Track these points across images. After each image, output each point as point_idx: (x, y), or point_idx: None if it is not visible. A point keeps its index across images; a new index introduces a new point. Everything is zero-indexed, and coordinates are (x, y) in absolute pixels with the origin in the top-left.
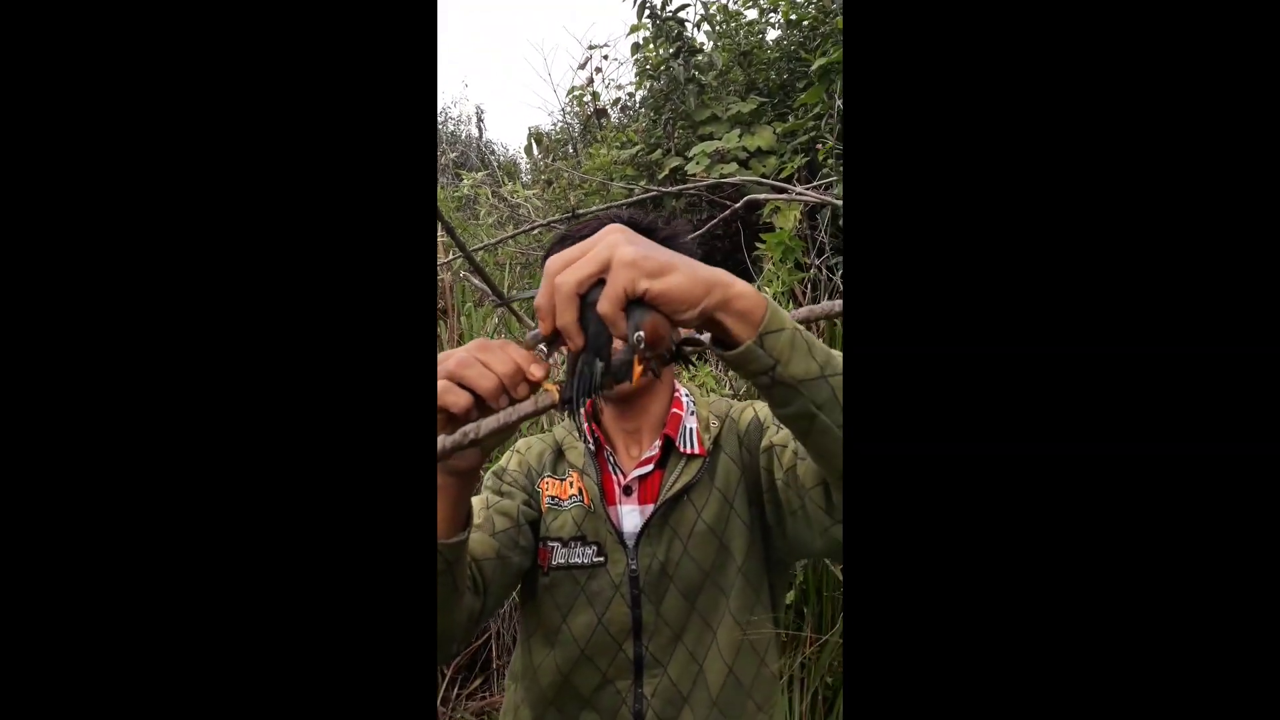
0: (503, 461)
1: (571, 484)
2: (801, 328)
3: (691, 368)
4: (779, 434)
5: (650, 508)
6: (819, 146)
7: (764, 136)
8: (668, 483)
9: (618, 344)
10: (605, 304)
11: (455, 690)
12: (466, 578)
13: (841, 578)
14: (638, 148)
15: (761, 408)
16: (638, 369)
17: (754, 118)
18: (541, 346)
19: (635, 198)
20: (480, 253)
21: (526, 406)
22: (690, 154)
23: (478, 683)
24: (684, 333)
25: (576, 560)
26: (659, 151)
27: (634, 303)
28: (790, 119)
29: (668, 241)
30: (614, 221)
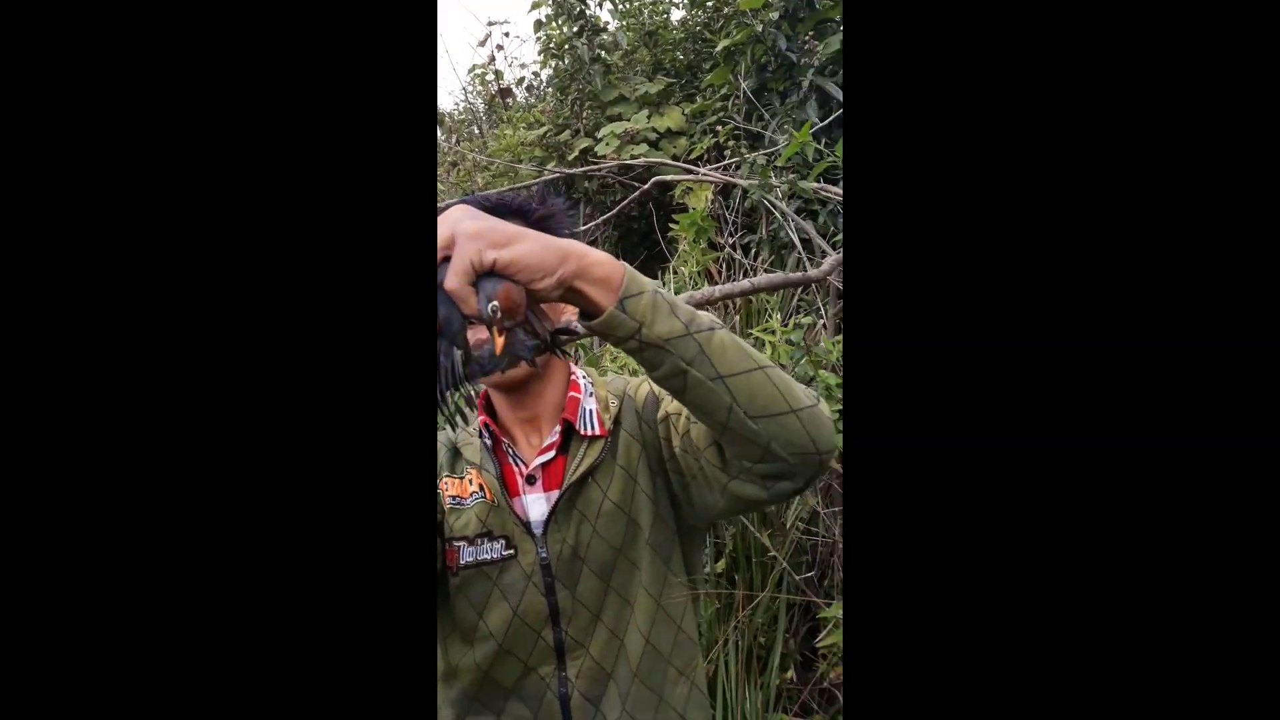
0: None
1: (471, 481)
2: (662, 289)
3: (580, 353)
4: (673, 403)
5: (555, 494)
6: (719, 129)
7: (673, 117)
8: (571, 467)
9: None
10: (452, 278)
11: None
12: None
13: (768, 543)
14: (545, 128)
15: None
16: (498, 339)
17: (662, 98)
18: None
19: (544, 178)
20: None
21: None
22: (599, 135)
23: None
24: (557, 315)
25: (485, 556)
26: (567, 132)
27: (483, 276)
28: (698, 99)
29: (543, 221)
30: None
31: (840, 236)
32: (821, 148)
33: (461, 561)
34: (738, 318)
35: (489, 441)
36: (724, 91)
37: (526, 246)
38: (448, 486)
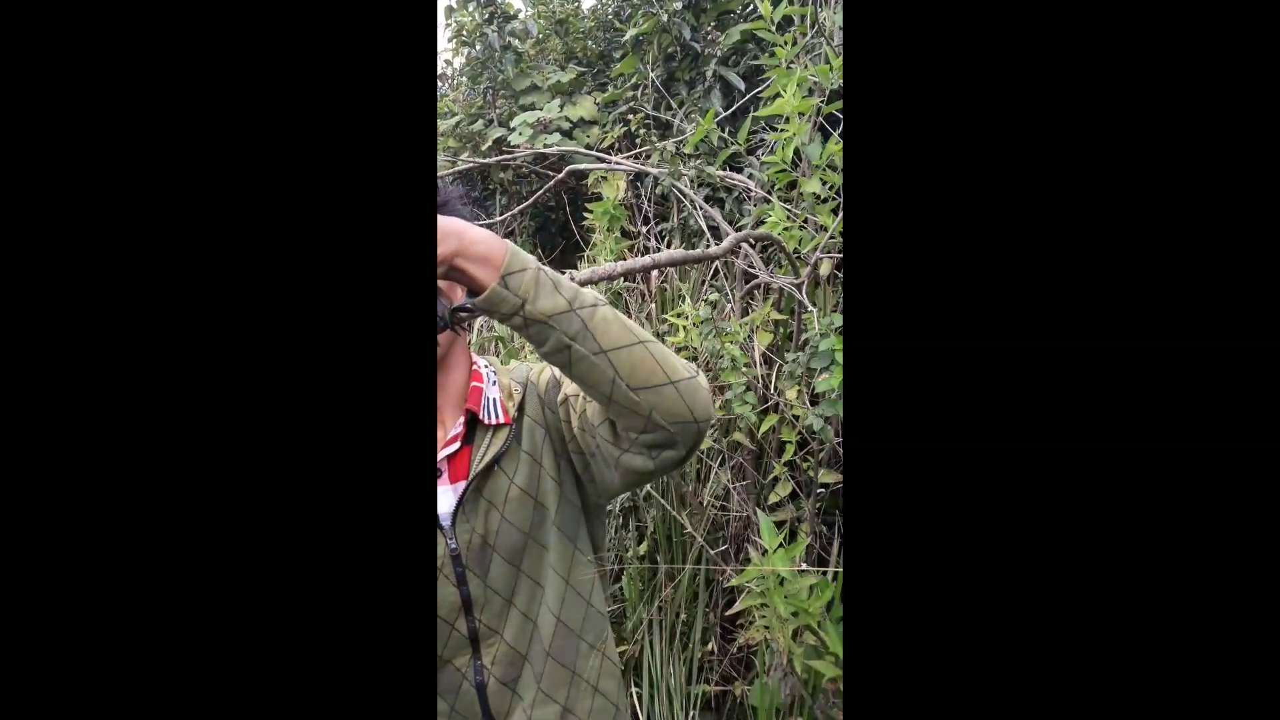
0: None
1: None
2: (545, 267)
3: (500, 346)
4: (572, 385)
5: (462, 485)
6: (630, 117)
7: (585, 106)
8: (477, 457)
9: None
10: None
11: None
12: None
13: (686, 522)
14: (458, 118)
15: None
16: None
17: (574, 87)
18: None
19: (458, 168)
20: None
21: None
22: (513, 124)
23: None
24: (454, 295)
25: None
26: (480, 122)
27: None
28: (610, 89)
29: (439, 209)
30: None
31: (745, 221)
32: (725, 135)
33: None
34: (653, 305)
35: None
36: (634, 81)
37: (446, 225)
38: None
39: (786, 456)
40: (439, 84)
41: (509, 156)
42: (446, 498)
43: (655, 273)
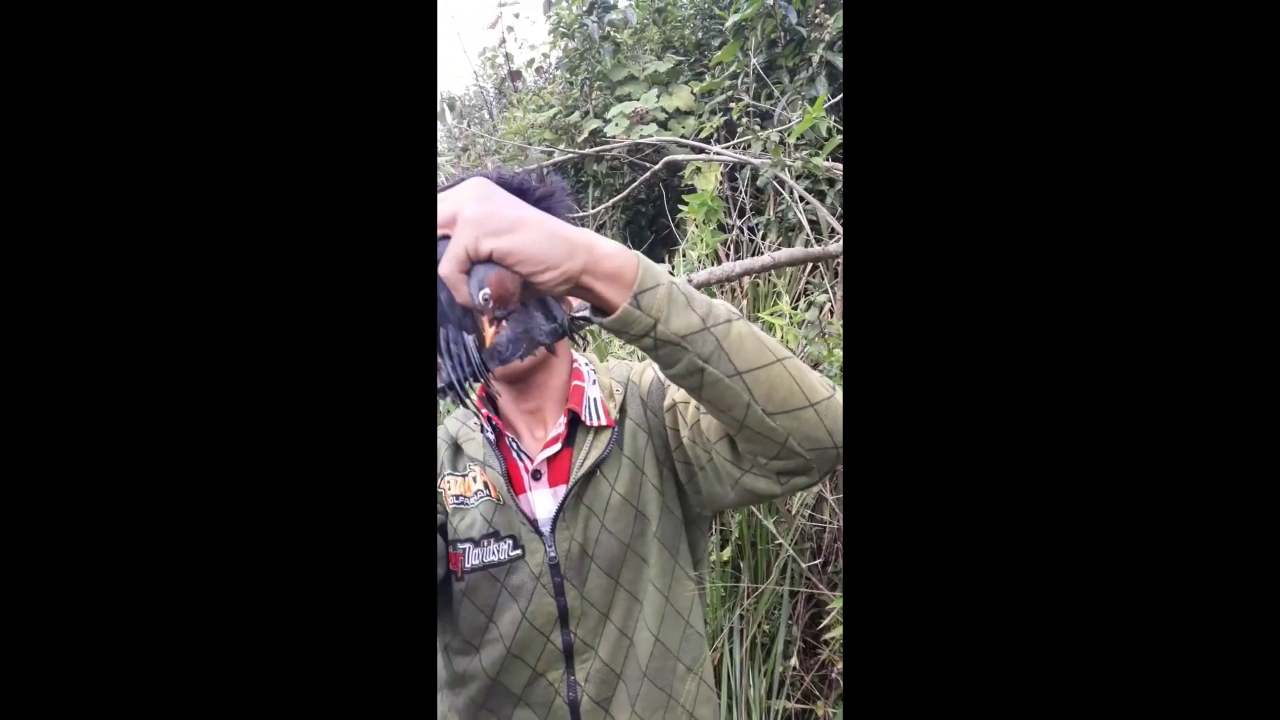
0: None
1: (475, 479)
2: (679, 281)
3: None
4: (680, 391)
5: (563, 489)
6: (731, 105)
7: (682, 96)
8: (578, 460)
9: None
10: (444, 265)
11: None
12: None
13: (774, 530)
14: (555, 110)
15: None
16: (487, 330)
17: (671, 77)
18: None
19: (554, 160)
20: None
21: None
22: (609, 115)
23: None
24: (571, 308)
25: (492, 558)
26: (577, 114)
27: (479, 262)
28: (707, 78)
29: (543, 200)
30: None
31: None
32: (833, 124)
33: (467, 565)
34: (745, 301)
35: (492, 436)
36: (732, 70)
37: (528, 236)
38: (450, 485)
39: None
40: (536, 77)
41: (605, 148)
42: (546, 502)
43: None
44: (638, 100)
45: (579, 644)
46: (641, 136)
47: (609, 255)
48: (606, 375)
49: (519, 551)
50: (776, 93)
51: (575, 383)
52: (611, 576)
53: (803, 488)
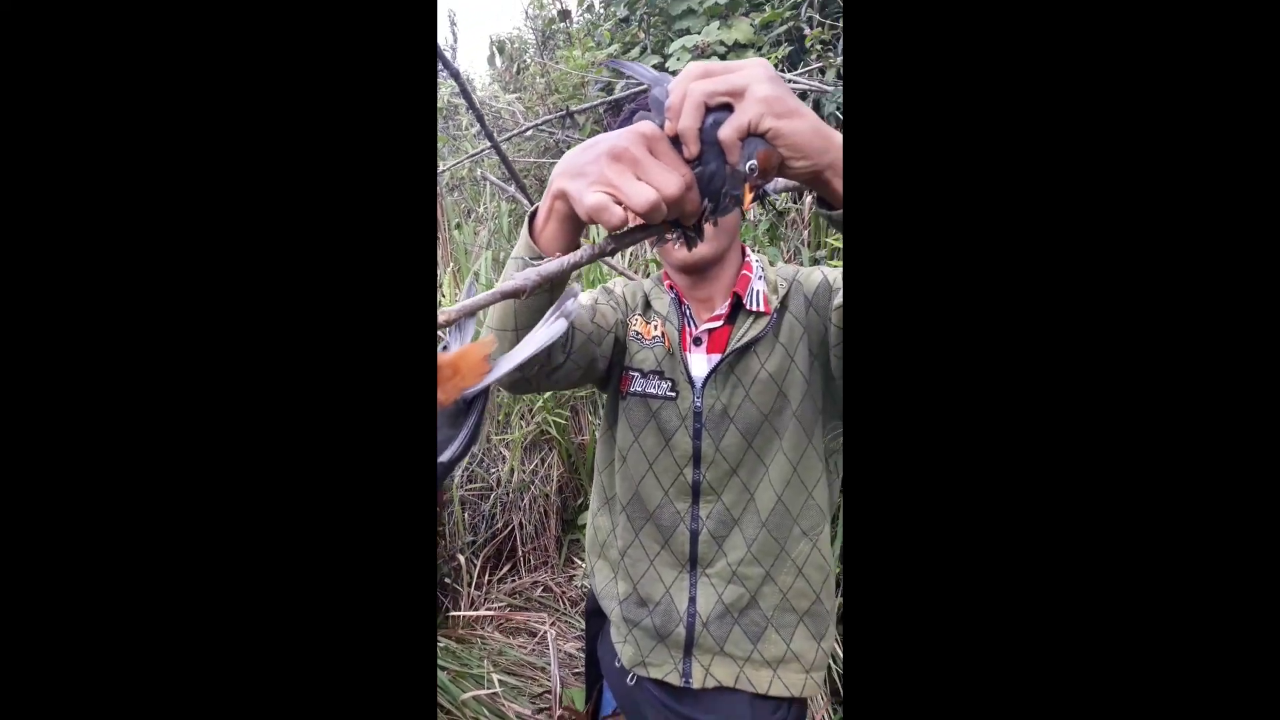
0: (610, 284)
1: (656, 327)
2: None
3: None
4: None
5: (717, 357)
6: (807, 32)
7: (741, 29)
8: (735, 335)
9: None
10: (729, 129)
11: (487, 577)
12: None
13: None
14: (613, 45)
15: (830, 272)
16: (748, 196)
17: (730, 9)
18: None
19: (616, 97)
20: (468, 162)
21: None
22: (669, 51)
23: (507, 568)
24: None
25: (652, 391)
26: (636, 50)
27: (752, 135)
28: (767, 9)
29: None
30: (622, 112)
31: None
32: None
33: (632, 389)
34: (807, 231)
35: (675, 300)
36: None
37: (800, 125)
38: (635, 323)
39: None
40: (585, 15)
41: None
42: (702, 364)
43: (809, 196)
44: (698, 34)
45: (706, 485)
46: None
47: None
48: (774, 273)
49: (674, 394)
50: (838, 23)
51: (744, 273)
52: (746, 438)
53: None
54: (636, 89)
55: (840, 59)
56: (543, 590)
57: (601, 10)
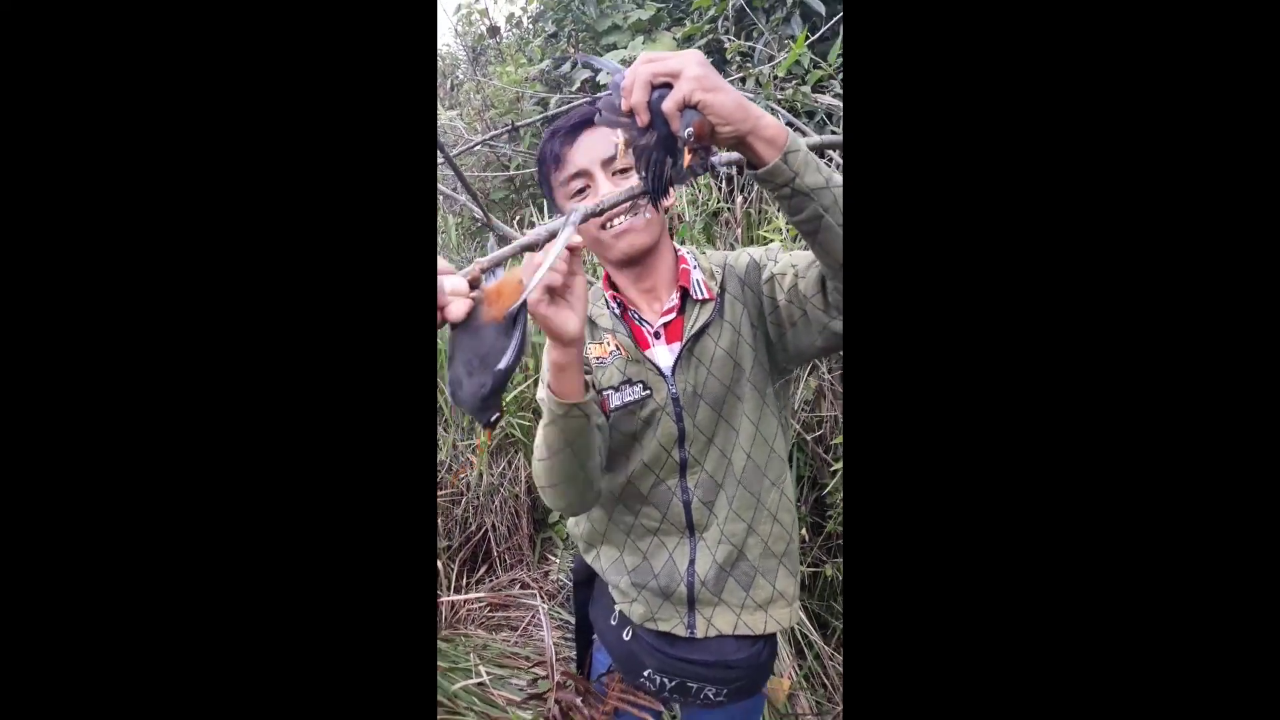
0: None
1: (608, 344)
2: (810, 151)
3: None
4: (776, 266)
5: (678, 345)
6: (726, 43)
7: (665, 42)
8: (689, 324)
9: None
10: (669, 102)
11: (465, 579)
12: (596, 428)
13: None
14: (544, 61)
15: (754, 251)
16: (687, 156)
17: (654, 24)
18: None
19: (549, 113)
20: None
21: (615, 196)
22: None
23: (484, 569)
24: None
25: (629, 398)
26: (566, 65)
27: (688, 107)
28: (687, 24)
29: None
30: (578, 118)
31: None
32: (814, 57)
33: (612, 406)
34: (740, 230)
35: (617, 310)
36: (711, 14)
37: (726, 98)
38: (591, 350)
39: None
40: (513, 31)
41: (598, 96)
42: (665, 355)
43: (740, 197)
44: (624, 49)
45: (691, 459)
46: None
47: (771, 124)
48: (706, 261)
49: (648, 391)
50: (754, 35)
51: (683, 267)
52: (715, 410)
53: None
54: (570, 104)
55: (758, 68)
56: (520, 586)
57: (530, 26)
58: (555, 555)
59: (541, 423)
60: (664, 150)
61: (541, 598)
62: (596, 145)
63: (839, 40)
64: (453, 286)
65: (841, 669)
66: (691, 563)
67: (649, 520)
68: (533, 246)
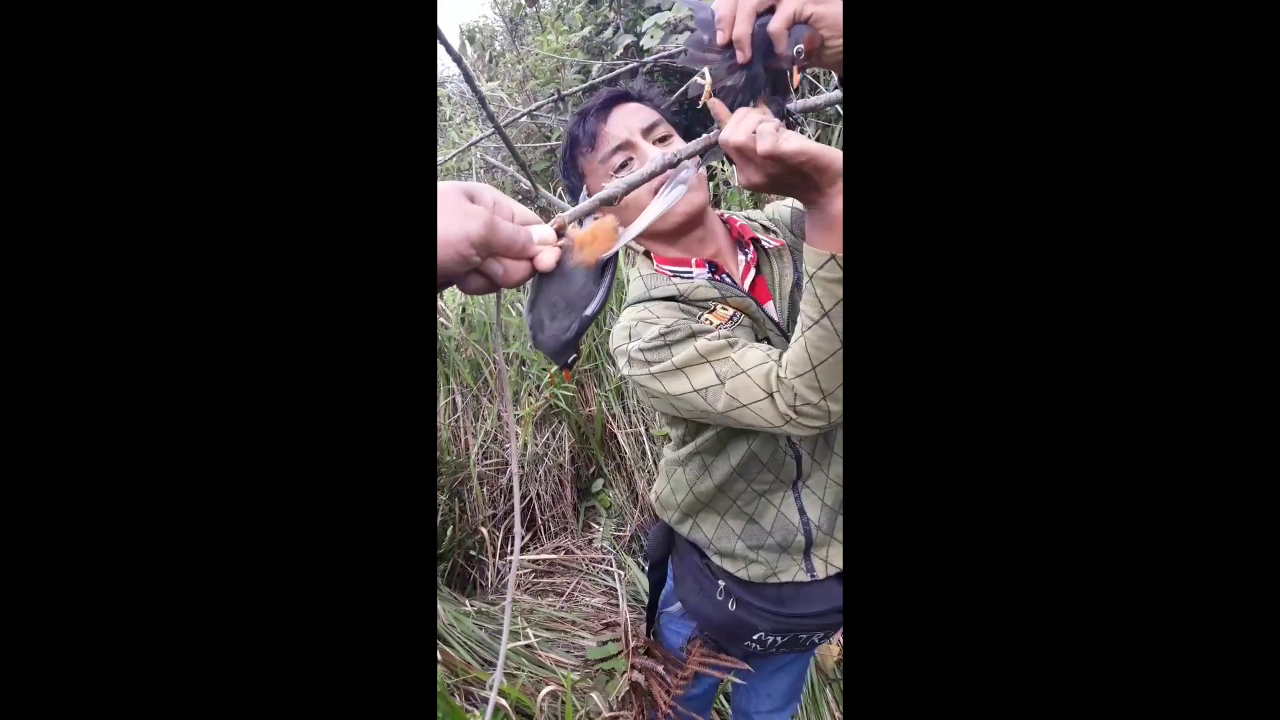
0: (653, 324)
1: (724, 310)
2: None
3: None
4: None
5: (771, 305)
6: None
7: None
8: (775, 277)
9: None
10: (777, 21)
11: (509, 546)
12: None
13: None
14: (585, 29)
15: (790, 201)
16: (796, 76)
17: None
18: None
19: (591, 82)
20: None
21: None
22: (641, 29)
23: (529, 537)
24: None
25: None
26: (608, 31)
27: (797, 24)
28: None
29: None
30: (606, 96)
31: None
32: None
33: None
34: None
35: (709, 274)
36: None
37: (836, 7)
38: (713, 322)
39: None
40: None
41: (654, 58)
42: (771, 309)
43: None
44: (668, 10)
45: None
46: (678, 46)
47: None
48: (757, 217)
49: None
50: None
51: (738, 224)
52: None
53: None
54: (613, 71)
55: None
56: (565, 553)
57: None
58: (598, 524)
59: (822, 312)
60: (750, 91)
61: (617, 567)
62: (633, 116)
63: None
64: (541, 236)
65: None
66: (801, 510)
67: (760, 485)
68: (612, 200)
